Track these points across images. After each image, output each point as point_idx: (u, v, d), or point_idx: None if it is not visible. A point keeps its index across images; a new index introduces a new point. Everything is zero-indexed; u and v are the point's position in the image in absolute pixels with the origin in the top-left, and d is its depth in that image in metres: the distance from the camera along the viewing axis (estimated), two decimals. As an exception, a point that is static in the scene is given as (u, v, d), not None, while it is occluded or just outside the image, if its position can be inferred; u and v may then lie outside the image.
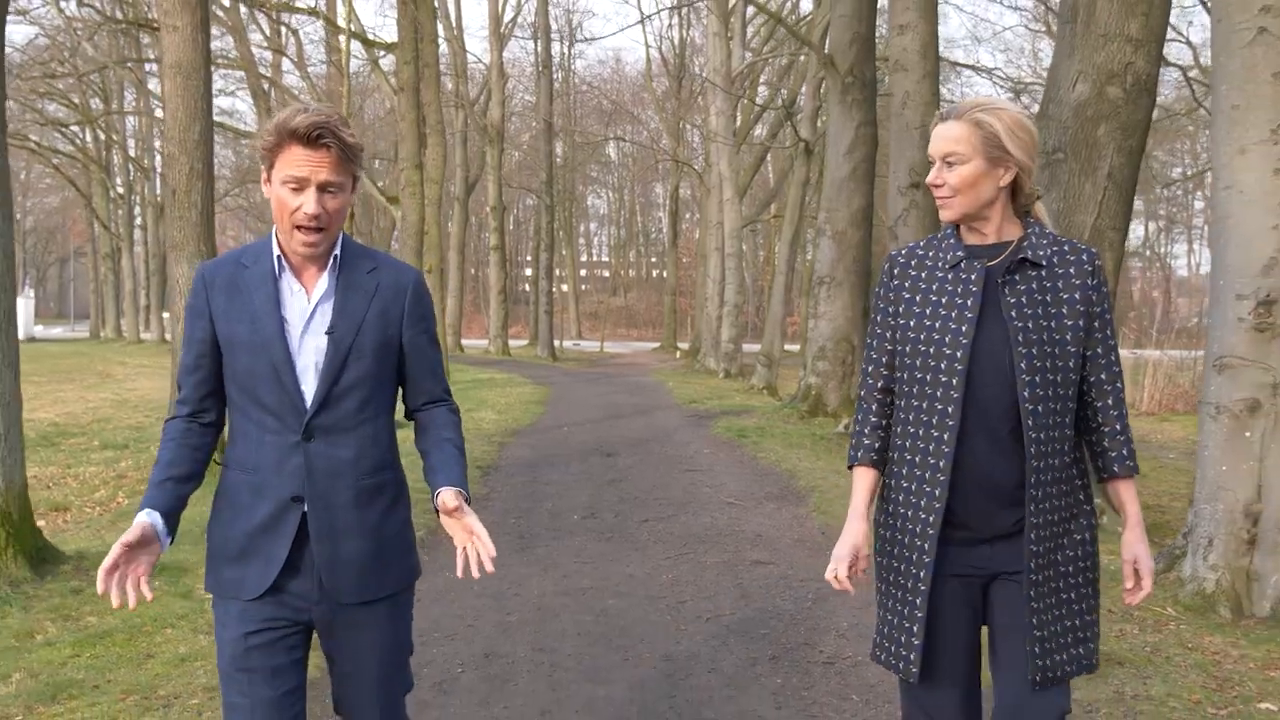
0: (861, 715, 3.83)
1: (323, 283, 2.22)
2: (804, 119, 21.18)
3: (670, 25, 40.43)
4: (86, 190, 44.78)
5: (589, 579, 5.76)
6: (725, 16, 25.74)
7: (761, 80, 34.10)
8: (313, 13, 21.38)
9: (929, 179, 2.30)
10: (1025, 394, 2.17)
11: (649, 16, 29.68)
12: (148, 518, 2.08)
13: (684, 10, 37.56)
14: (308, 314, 2.20)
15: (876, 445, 2.39)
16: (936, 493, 2.22)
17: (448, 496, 2.17)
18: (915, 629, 2.24)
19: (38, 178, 58.70)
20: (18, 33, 64.79)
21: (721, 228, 26.39)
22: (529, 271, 54.28)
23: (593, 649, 4.57)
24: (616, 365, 32.79)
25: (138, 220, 48.27)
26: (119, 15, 29.36)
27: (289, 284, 2.21)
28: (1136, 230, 58.12)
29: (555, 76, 38.10)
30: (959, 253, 2.29)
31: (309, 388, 2.18)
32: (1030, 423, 2.17)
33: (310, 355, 2.19)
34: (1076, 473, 2.28)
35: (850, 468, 2.42)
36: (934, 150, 2.28)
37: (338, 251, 2.24)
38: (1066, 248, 2.27)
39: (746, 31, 29.63)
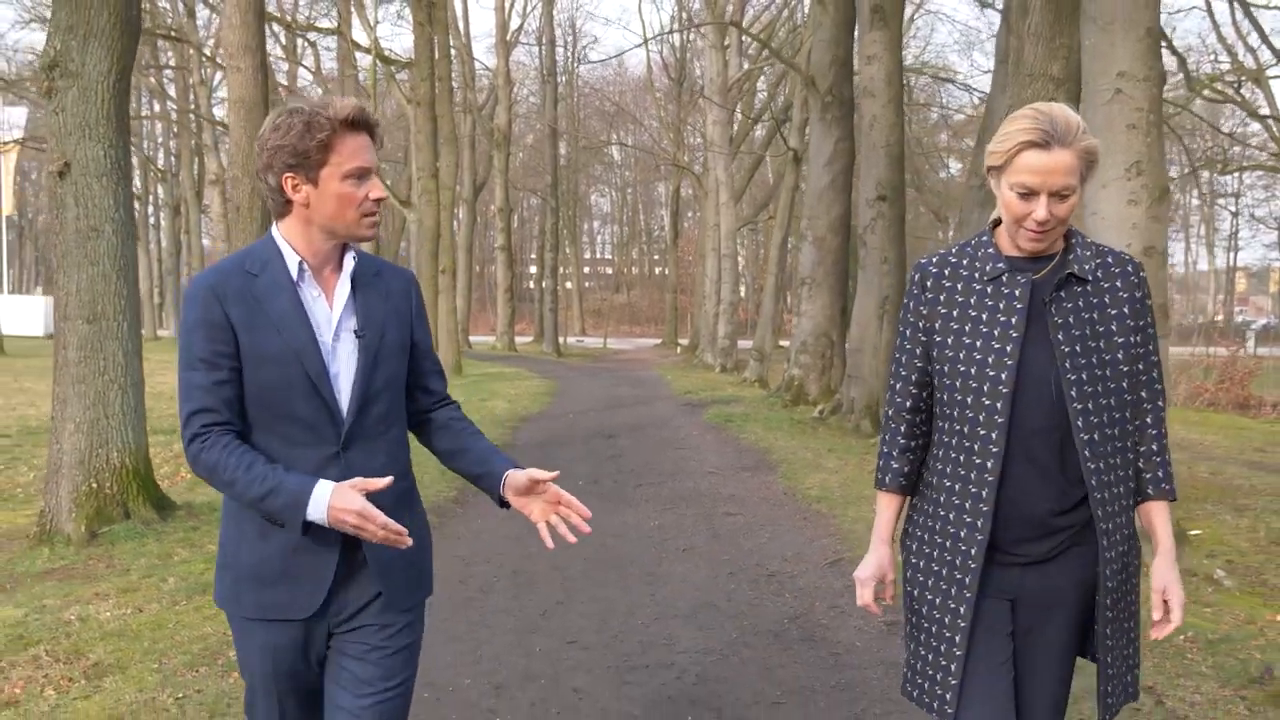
0: (790, 607, 5.26)
1: (344, 286, 2.17)
2: (793, 129, 22.58)
3: (671, 31, 41.93)
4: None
5: (592, 525, 7.18)
6: (723, 29, 27.13)
7: (760, 87, 35.53)
8: (335, 32, 22.78)
9: (1039, 217, 2.03)
10: (1079, 423, 2.05)
11: (650, 39, 30.92)
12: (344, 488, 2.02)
13: (684, 19, 39.06)
14: (335, 320, 2.15)
15: (905, 470, 2.28)
16: (979, 523, 2.09)
17: (532, 471, 2.23)
18: (953, 667, 2.13)
19: (49, 179, 60.26)
20: (38, 39, 66.06)
21: (718, 230, 27.86)
22: (534, 269, 55.77)
23: (595, 568, 6.00)
24: (619, 360, 34.26)
25: (151, 220, 49.66)
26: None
27: (308, 289, 2.14)
28: (1130, 229, 59.32)
29: (559, 80, 39.58)
30: (1000, 264, 2.13)
31: (343, 396, 2.13)
32: (1087, 453, 2.05)
33: (341, 361, 2.14)
34: (1134, 501, 2.19)
35: (878, 490, 2.33)
36: (1042, 184, 2.01)
37: (354, 254, 2.20)
38: (1110, 259, 2.14)
39: (743, 40, 31.08)
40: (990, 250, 2.15)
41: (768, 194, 42.53)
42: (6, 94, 35.93)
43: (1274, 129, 27.44)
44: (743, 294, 45.17)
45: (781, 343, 29.65)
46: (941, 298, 2.17)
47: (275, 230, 2.17)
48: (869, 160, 12.91)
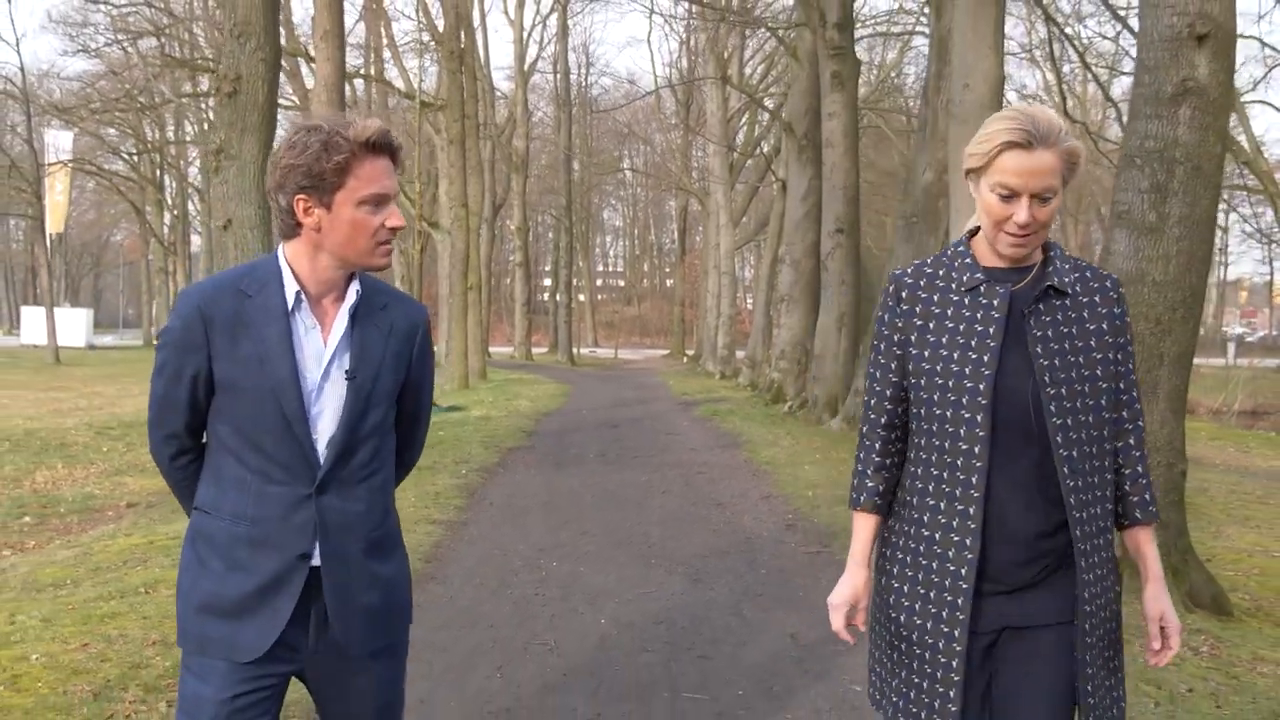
0: (728, 518, 7.92)
1: (341, 319, 2.04)
2: (782, 162, 25.30)
3: (679, 58, 44.81)
4: (141, 207, 49.07)
5: (598, 479, 9.90)
6: (723, 66, 29.96)
7: (762, 115, 38.33)
8: (379, 80, 25.60)
9: (1020, 220, 1.95)
10: (1059, 439, 1.96)
11: (658, 90, 33.82)
12: None
13: (690, 43, 41.91)
14: (326, 356, 2.02)
15: (880, 488, 2.16)
16: (968, 542, 1.98)
17: None
18: (952, 694, 1.98)
19: (79, 194, 63.42)
20: (80, 65, 69.03)
21: (718, 249, 30.66)
22: (548, 281, 58.66)
23: (600, 502, 8.70)
24: (628, 369, 37.06)
25: (197, 238, 52.61)
26: (175, 53, 33.51)
27: (303, 320, 2.02)
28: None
29: (573, 104, 42.45)
30: (978, 275, 2.03)
31: (323, 439, 2.01)
32: (1066, 470, 1.96)
33: (326, 402, 2.02)
34: (1112, 522, 2.09)
35: (853, 510, 2.21)
36: (1024, 185, 1.93)
37: (358, 285, 2.06)
38: (1089, 273, 2.08)
39: (744, 75, 33.90)
40: (968, 260, 2.07)
41: (770, 209, 45.33)
42: (55, 119, 38.72)
43: (1246, 152, 29.98)
44: (749, 305, 47.90)
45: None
46: (917, 309, 2.09)
47: (281, 251, 2.05)
48: (829, 199, 15.63)
